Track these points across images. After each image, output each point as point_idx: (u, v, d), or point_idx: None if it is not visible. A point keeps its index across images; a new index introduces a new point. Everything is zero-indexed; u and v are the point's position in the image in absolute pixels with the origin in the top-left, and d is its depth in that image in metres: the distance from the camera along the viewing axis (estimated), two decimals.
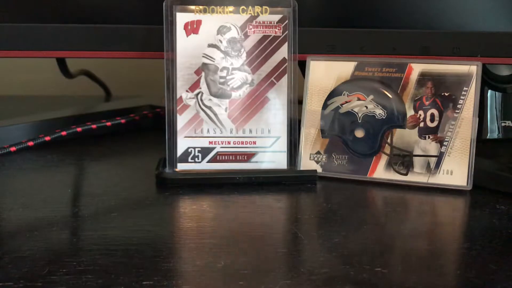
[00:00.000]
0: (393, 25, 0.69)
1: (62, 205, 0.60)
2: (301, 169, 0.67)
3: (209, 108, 0.66)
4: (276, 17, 0.66)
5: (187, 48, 0.65)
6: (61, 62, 0.89)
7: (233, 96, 0.66)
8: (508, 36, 0.68)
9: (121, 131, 0.82)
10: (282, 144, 0.67)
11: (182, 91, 0.66)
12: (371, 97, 0.66)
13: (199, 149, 0.66)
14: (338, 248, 0.51)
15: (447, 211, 0.61)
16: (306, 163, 0.67)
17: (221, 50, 0.66)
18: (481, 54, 0.68)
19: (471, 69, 0.63)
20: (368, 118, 0.66)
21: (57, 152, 0.75)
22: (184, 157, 0.66)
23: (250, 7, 0.66)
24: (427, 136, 0.64)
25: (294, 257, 0.50)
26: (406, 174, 0.65)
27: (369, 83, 0.66)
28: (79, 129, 0.77)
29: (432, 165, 0.64)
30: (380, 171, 0.65)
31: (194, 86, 0.66)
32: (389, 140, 0.65)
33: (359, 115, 0.66)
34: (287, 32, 0.66)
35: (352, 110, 0.66)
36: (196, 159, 0.66)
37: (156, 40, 0.66)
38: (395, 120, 0.65)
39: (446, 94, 0.64)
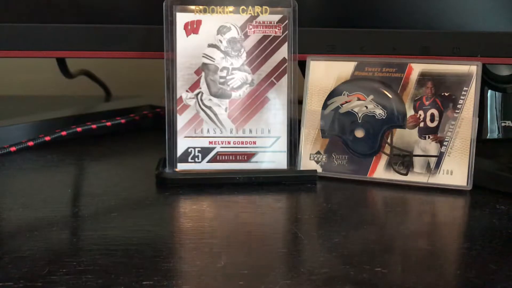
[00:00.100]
0: (393, 25, 0.69)
1: (62, 205, 0.60)
2: (301, 169, 0.67)
3: (209, 108, 0.66)
4: (276, 17, 0.66)
5: (187, 48, 0.65)
6: (61, 62, 0.89)
7: (233, 96, 0.66)
8: (508, 36, 0.68)
9: (121, 131, 0.82)
10: (282, 144, 0.67)
11: (182, 91, 0.66)
12: (371, 97, 0.66)
13: (199, 149, 0.66)
14: (338, 248, 0.51)
15: (447, 211, 0.61)
16: (306, 163, 0.67)
17: (221, 50, 0.66)
18: (481, 54, 0.68)
19: (471, 69, 0.63)
20: (368, 118, 0.66)
21: (57, 152, 0.75)
22: (184, 157, 0.66)
23: (250, 7, 0.66)
24: (427, 136, 0.64)
25: (294, 257, 0.50)
26: (406, 174, 0.65)
27: (369, 83, 0.66)
28: (79, 129, 0.77)
29: (432, 165, 0.64)
30: (380, 171, 0.65)
31: (194, 86, 0.66)
32: (389, 140, 0.65)
33: (359, 115, 0.66)
34: (287, 32, 0.66)
35: (352, 110, 0.66)
36: (196, 159, 0.66)
37: (156, 40, 0.66)
38: (395, 120, 0.65)
39: (446, 94, 0.64)
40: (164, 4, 0.65)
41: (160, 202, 0.61)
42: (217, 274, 0.46)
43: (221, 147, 0.66)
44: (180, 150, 0.66)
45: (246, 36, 0.66)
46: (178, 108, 0.65)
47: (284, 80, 0.66)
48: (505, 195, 0.62)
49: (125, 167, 0.72)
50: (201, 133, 0.66)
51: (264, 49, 0.66)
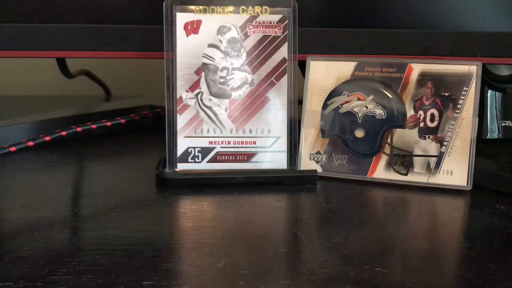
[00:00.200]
0: (393, 25, 0.69)
1: (62, 205, 0.60)
2: (301, 169, 0.67)
3: (209, 108, 0.66)
4: (276, 17, 0.66)
5: (187, 48, 0.65)
6: (61, 62, 0.89)
7: (233, 96, 0.66)
8: (508, 36, 0.68)
9: (121, 131, 0.82)
10: (282, 144, 0.67)
11: (182, 91, 0.66)
12: (371, 97, 0.66)
13: (199, 149, 0.66)
14: (338, 248, 0.51)
15: (447, 211, 0.61)
16: (306, 163, 0.67)
17: (221, 50, 0.66)
18: (481, 54, 0.68)
19: (471, 69, 0.63)
20: (368, 118, 0.66)
21: (57, 152, 0.75)
22: (184, 157, 0.66)
23: (250, 7, 0.66)
24: (427, 136, 0.64)
25: (294, 257, 0.50)
26: (406, 174, 0.65)
27: (369, 83, 0.66)
28: (79, 129, 0.77)
29: (432, 165, 0.64)
30: (380, 171, 0.65)
31: (194, 86, 0.66)
32: (389, 140, 0.65)
33: (359, 115, 0.66)
34: (287, 32, 0.66)
35: (352, 110, 0.66)
36: (196, 159, 0.66)
37: (156, 40, 0.66)
38: (395, 120, 0.65)
39: (446, 94, 0.64)
40: (164, 4, 0.65)
41: (160, 202, 0.61)
42: (217, 274, 0.46)
43: (221, 147, 0.66)
44: (180, 150, 0.66)
45: (246, 36, 0.66)
46: (178, 108, 0.65)
47: (284, 80, 0.66)
48: (505, 195, 0.62)
49: (125, 167, 0.72)
50: (201, 133, 0.66)
51: (264, 49, 0.66)
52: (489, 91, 0.79)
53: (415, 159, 0.64)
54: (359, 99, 0.66)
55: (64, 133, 0.76)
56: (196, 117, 0.66)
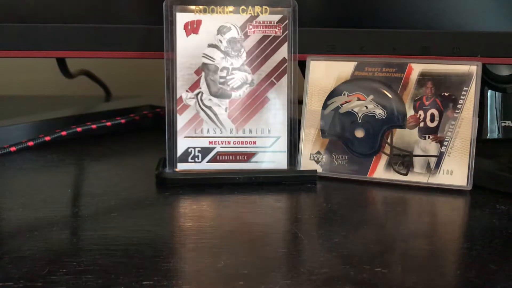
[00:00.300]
0: (393, 25, 0.69)
1: (62, 205, 0.60)
2: (301, 169, 0.67)
3: (209, 108, 0.66)
4: (276, 17, 0.66)
5: (187, 48, 0.65)
6: (61, 62, 0.89)
7: (233, 96, 0.66)
8: (508, 36, 0.68)
9: (121, 131, 0.82)
10: (282, 144, 0.67)
11: (182, 91, 0.66)
12: (371, 97, 0.66)
13: (199, 149, 0.66)
14: (338, 248, 0.51)
15: (447, 211, 0.61)
16: (306, 163, 0.67)
17: (221, 50, 0.66)
18: (481, 54, 0.68)
19: (471, 69, 0.63)
20: (368, 118, 0.66)
21: (57, 152, 0.75)
22: (184, 157, 0.66)
23: (250, 7, 0.66)
24: (427, 136, 0.64)
25: (294, 257, 0.50)
26: (406, 174, 0.65)
27: (369, 83, 0.66)
28: (79, 129, 0.77)
29: (432, 165, 0.64)
30: (380, 171, 0.65)
31: (194, 86, 0.66)
32: (389, 140, 0.65)
33: (359, 115, 0.66)
34: (287, 32, 0.66)
35: (352, 110, 0.66)
36: (196, 159, 0.66)
37: (156, 40, 0.66)
38: (395, 120, 0.65)
39: (446, 94, 0.64)
40: (164, 4, 0.65)
41: (160, 202, 0.61)
42: (217, 274, 0.46)
43: (221, 147, 0.66)
44: (180, 150, 0.66)
45: (246, 36, 0.66)
46: (178, 108, 0.65)
47: (284, 80, 0.66)
48: (505, 195, 0.62)
49: (125, 167, 0.72)
50: (201, 133, 0.66)
51: (264, 49, 0.66)
52: (489, 91, 0.79)
53: (415, 159, 0.64)
54: (359, 99, 0.66)
55: (64, 133, 0.76)
56: (196, 117, 0.66)
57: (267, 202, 0.61)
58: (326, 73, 0.67)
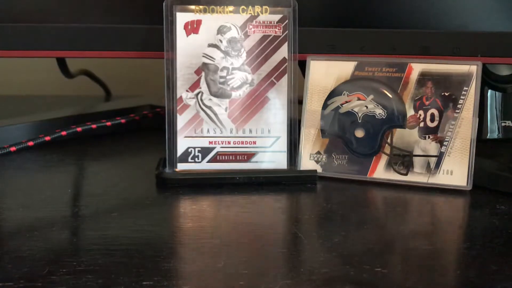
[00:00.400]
0: (393, 25, 0.69)
1: (62, 205, 0.60)
2: (301, 169, 0.67)
3: (209, 108, 0.66)
4: (276, 17, 0.66)
5: (187, 48, 0.65)
6: (61, 62, 0.89)
7: (233, 96, 0.66)
8: (508, 36, 0.68)
9: (121, 131, 0.82)
10: (282, 144, 0.67)
11: (182, 91, 0.66)
12: (371, 97, 0.66)
13: (199, 149, 0.66)
14: (338, 248, 0.51)
15: (447, 211, 0.61)
16: (306, 163, 0.67)
17: (221, 50, 0.66)
18: (481, 54, 0.68)
19: (471, 69, 0.63)
20: (368, 118, 0.66)
21: (57, 152, 0.75)
22: (184, 157, 0.66)
23: (250, 7, 0.66)
24: (427, 136, 0.64)
25: (294, 257, 0.50)
26: (406, 174, 0.65)
27: (369, 83, 0.66)
28: (79, 129, 0.77)
29: (432, 165, 0.64)
30: (380, 171, 0.65)
31: (194, 86, 0.66)
32: (389, 140, 0.65)
33: (359, 115, 0.66)
34: (287, 32, 0.66)
35: (352, 110, 0.66)
36: (196, 159, 0.66)
37: (156, 40, 0.66)
38: (395, 120, 0.65)
39: (446, 94, 0.64)
40: (164, 4, 0.65)
41: (160, 202, 0.61)
42: (217, 274, 0.46)
43: (221, 147, 0.66)
44: (180, 150, 0.66)
45: (246, 36, 0.66)
46: (178, 108, 0.65)
47: (284, 80, 0.66)
48: (505, 195, 0.62)
49: (125, 167, 0.72)
50: (201, 133, 0.66)
51: (264, 49, 0.66)
52: (489, 91, 0.79)
53: (415, 159, 0.64)
54: (359, 99, 0.66)
55: (64, 133, 0.76)
56: (196, 117, 0.66)
57: (267, 202, 0.61)
58: (326, 73, 0.67)
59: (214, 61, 0.66)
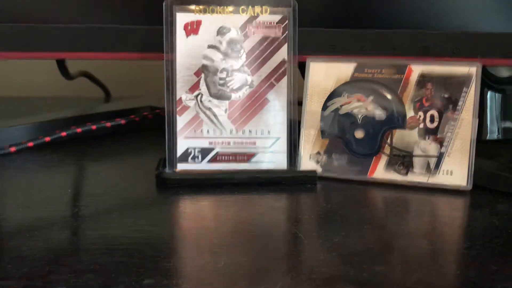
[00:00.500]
0: (393, 25, 0.69)
1: (62, 205, 0.60)
2: (301, 169, 0.67)
3: (209, 109, 0.66)
4: (276, 17, 0.66)
5: (187, 49, 0.65)
6: (61, 64, 0.89)
7: (233, 97, 0.66)
8: (508, 37, 0.68)
9: (121, 132, 0.82)
10: (282, 144, 0.67)
11: (182, 92, 0.66)
12: (371, 98, 0.66)
13: (199, 149, 0.66)
14: (338, 248, 0.51)
15: (447, 211, 0.61)
16: (306, 163, 0.67)
17: (221, 51, 0.66)
18: (481, 54, 0.68)
19: (471, 70, 0.63)
20: (368, 119, 0.66)
21: (57, 153, 0.75)
22: (184, 157, 0.66)
23: (250, 7, 0.66)
24: (427, 136, 0.64)
25: (294, 257, 0.50)
26: (406, 174, 0.65)
27: (369, 84, 0.66)
28: (79, 130, 0.77)
29: (432, 165, 0.64)
30: (380, 171, 0.65)
31: (194, 87, 0.66)
32: (389, 141, 0.65)
33: (359, 116, 0.66)
34: (287, 33, 0.66)
35: (352, 111, 0.66)
36: (196, 159, 0.66)
37: (156, 41, 0.66)
38: (395, 121, 0.65)
39: (446, 95, 0.64)
40: (164, 4, 0.65)
41: (160, 202, 0.61)
42: (217, 274, 0.46)
43: (221, 148, 0.66)
44: (180, 151, 0.66)
45: (246, 37, 0.66)
46: (178, 109, 0.65)
47: (284, 81, 0.66)
48: (505, 195, 0.62)
49: (125, 167, 0.72)
50: (201, 133, 0.66)
51: (264, 50, 0.66)
52: (489, 92, 0.79)
53: (415, 159, 0.64)
54: (359, 101, 0.66)
55: (64, 134, 0.76)
56: (196, 118, 0.66)
57: (267, 202, 0.61)
58: (326, 74, 0.67)
59: (213, 62, 0.66)
